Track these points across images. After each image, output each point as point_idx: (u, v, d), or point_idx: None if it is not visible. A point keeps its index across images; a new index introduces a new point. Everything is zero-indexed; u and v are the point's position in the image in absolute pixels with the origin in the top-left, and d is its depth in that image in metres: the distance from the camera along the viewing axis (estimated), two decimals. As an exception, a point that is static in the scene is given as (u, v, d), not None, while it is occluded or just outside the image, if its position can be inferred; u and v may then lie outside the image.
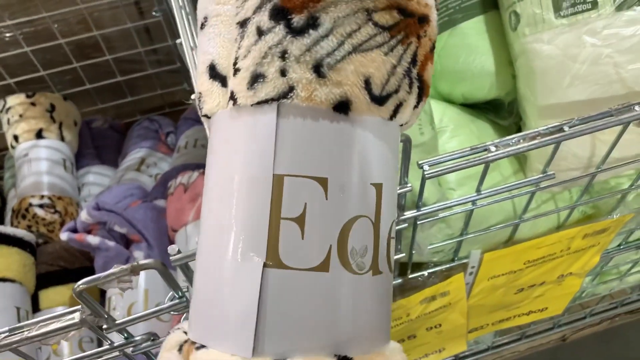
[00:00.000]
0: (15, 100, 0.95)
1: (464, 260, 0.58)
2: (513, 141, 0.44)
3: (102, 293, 0.79)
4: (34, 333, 0.38)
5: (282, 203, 0.26)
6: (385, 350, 0.28)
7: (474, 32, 0.56)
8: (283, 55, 0.25)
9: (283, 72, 0.25)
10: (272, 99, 0.26)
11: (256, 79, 0.26)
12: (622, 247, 0.67)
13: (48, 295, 0.80)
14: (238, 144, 0.27)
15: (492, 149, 0.43)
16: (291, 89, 0.26)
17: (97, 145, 1.02)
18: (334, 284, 0.26)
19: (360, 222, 0.27)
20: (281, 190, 0.26)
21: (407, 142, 0.40)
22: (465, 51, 0.56)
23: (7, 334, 0.38)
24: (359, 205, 0.27)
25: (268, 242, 0.26)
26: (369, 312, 0.27)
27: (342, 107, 0.26)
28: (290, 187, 0.26)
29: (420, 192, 0.45)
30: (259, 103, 0.26)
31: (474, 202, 0.49)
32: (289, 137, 0.26)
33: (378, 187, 0.28)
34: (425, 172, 0.42)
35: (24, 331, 0.38)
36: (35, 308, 0.80)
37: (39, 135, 0.93)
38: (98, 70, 1.01)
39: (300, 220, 0.26)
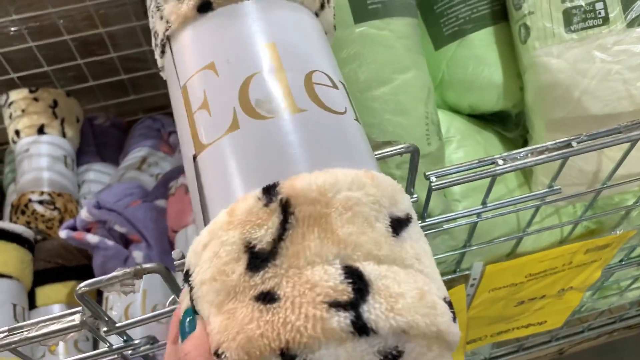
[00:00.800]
0: (18, 95, 0.94)
1: (466, 272, 0.58)
2: (521, 155, 0.44)
3: (99, 291, 0.78)
4: (33, 334, 0.38)
5: (190, 102, 0.31)
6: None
7: (483, 43, 0.56)
8: None
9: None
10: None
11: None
12: (623, 262, 0.67)
13: (45, 293, 0.80)
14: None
15: (500, 162, 0.43)
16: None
17: (98, 142, 1.02)
18: (248, 135, 0.28)
19: (258, 77, 0.29)
20: (187, 94, 0.31)
21: (414, 153, 0.40)
22: (474, 62, 0.56)
23: (6, 333, 0.38)
24: (251, 66, 0.30)
25: (192, 137, 0.30)
26: (303, 145, 0.28)
27: (204, 6, 0.32)
28: (190, 88, 0.31)
29: (426, 203, 0.45)
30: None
31: (479, 215, 0.49)
32: (179, 54, 0.33)
33: (270, 45, 0.31)
34: (432, 184, 0.42)
35: (23, 331, 0.38)
36: (32, 305, 0.79)
37: (41, 131, 0.92)
38: (102, 68, 1.00)
39: (204, 104, 0.30)
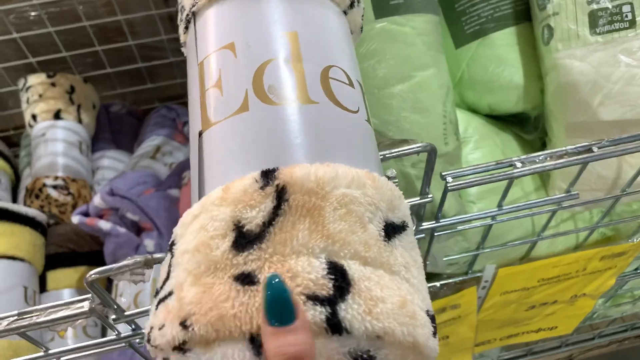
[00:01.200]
0: (36, 80, 0.94)
1: (478, 274, 0.57)
2: (540, 158, 0.43)
3: (109, 277, 0.79)
4: (42, 319, 0.38)
5: (205, 79, 0.31)
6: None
7: (504, 43, 0.55)
8: None
9: None
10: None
11: None
12: (638, 270, 0.66)
13: (56, 277, 0.80)
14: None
15: (518, 164, 0.42)
16: None
17: (113, 129, 1.02)
18: (256, 118, 0.28)
19: (275, 63, 0.29)
20: (203, 71, 0.31)
21: (432, 153, 0.40)
22: (495, 62, 0.55)
23: (15, 317, 0.38)
24: (270, 51, 0.30)
25: (201, 114, 0.30)
26: (309, 136, 0.28)
27: None
28: (207, 66, 0.31)
29: (441, 203, 0.44)
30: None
31: (493, 217, 0.49)
32: (201, 30, 0.33)
33: (292, 34, 0.30)
34: (448, 184, 0.41)
35: (32, 316, 0.38)
36: (42, 288, 0.80)
37: (57, 116, 0.93)
38: (119, 55, 1.01)
39: (218, 83, 0.30)
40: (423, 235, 0.47)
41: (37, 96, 0.93)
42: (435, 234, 0.48)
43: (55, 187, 0.87)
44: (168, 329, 0.24)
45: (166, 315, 0.24)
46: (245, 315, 0.23)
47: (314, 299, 0.23)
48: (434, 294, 0.57)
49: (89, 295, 0.38)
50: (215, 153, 0.29)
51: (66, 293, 0.79)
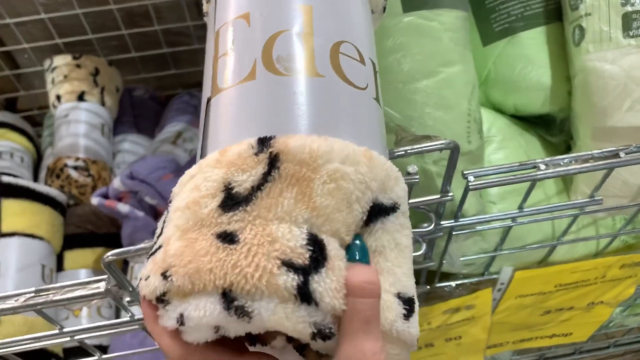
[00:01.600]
0: (61, 61, 0.95)
1: (494, 276, 0.57)
2: (564, 161, 0.42)
3: (126, 259, 0.79)
4: (58, 297, 0.38)
5: (219, 47, 0.31)
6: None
7: (533, 42, 0.54)
8: None
9: None
10: None
11: None
12: (659, 281, 0.64)
13: (73, 257, 0.81)
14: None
15: (542, 167, 0.42)
16: None
17: (136, 114, 1.03)
18: (261, 87, 0.28)
19: (286, 34, 0.29)
20: (218, 40, 0.32)
21: (454, 150, 0.39)
22: (523, 61, 0.54)
23: (32, 294, 0.38)
24: (282, 23, 0.30)
25: (212, 80, 0.31)
26: (312, 108, 0.28)
27: None
28: (222, 34, 0.31)
29: (461, 202, 0.44)
30: None
31: (514, 219, 0.48)
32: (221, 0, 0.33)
33: (307, 8, 0.30)
34: (470, 183, 0.41)
35: (49, 294, 0.38)
36: (59, 268, 0.81)
37: (81, 97, 0.94)
38: (145, 40, 1.01)
39: (230, 51, 0.30)
40: (441, 233, 0.46)
41: (62, 77, 0.94)
42: (454, 232, 0.48)
43: (76, 168, 0.88)
44: (152, 279, 0.25)
45: (152, 266, 0.26)
46: (221, 271, 0.23)
47: (289, 265, 0.24)
48: (449, 294, 0.57)
49: (105, 276, 0.38)
50: (219, 118, 0.29)
51: (82, 273, 0.80)
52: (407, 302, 0.26)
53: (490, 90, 0.57)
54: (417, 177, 0.36)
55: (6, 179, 0.77)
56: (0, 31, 1.01)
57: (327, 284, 0.24)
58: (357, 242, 0.26)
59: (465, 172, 0.41)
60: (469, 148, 0.47)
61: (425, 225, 0.44)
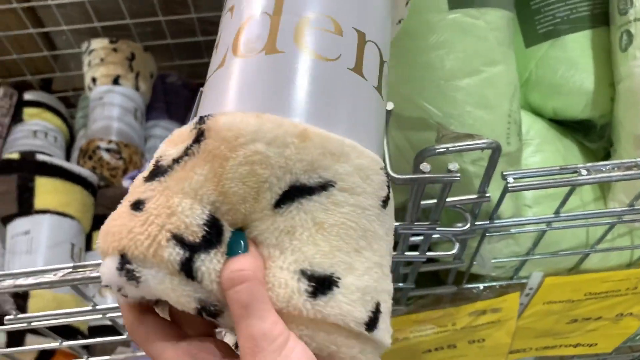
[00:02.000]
0: (99, 44, 0.97)
1: (523, 280, 0.56)
2: (606, 168, 0.41)
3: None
4: (95, 274, 0.39)
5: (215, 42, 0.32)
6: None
7: (578, 46, 0.53)
8: None
9: None
10: None
11: None
12: (692, 296, 0.63)
13: (101, 237, 0.82)
14: None
15: (583, 172, 0.41)
16: None
17: (168, 100, 1.04)
18: (224, 72, 0.29)
19: (254, 18, 0.29)
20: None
21: (496, 150, 0.39)
22: (565, 65, 0.53)
23: (70, 270, 0.39)
24: (254, 8, 0.30)
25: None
26: (262, 85, 0.28)
27: None
28: (218, 30, 0.32)
29: (498, 204, 0.43)
30: None
31: (549, 224, 0.47)
32: None
33: None
34: (509, 185, 0.40)
35: (86, 270, 0.39)
36: (88, 247, 0.82)
37: (116, 81, 0.95)
38: (180, 27, 1.02)
39: (217, 44, 0.31)
40: (474, 234, 0.46)
41: (98, 60, 0.95)
42: (488, 234, 0.47)
43: (108, 150, 0.89)
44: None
45: None
46: (119, 235, 0.25)
47: (179, 240, 0.24)
48: (476, 296, 0.56)
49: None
50: (196, 106, 0.32)
51: (110, 254, 0.81)
52: (318, 280, 0.25)
53: (530, 92, 0.56)
54: (458, 175, 0.36)
55: (41, 157, 0.79)
56: (41, 12, 1.03)
57: (213, 265, 0.24)
58: (234, 236, 0.26)
59: (505, 173, 0.40)
60: (508, 149, 0.46)
61: (460, 224, 0.44)
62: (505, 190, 0.41)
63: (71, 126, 1.04)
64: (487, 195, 0.42)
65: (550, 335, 0.68)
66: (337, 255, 0.26)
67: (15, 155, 0.78)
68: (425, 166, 0.36)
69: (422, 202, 0.40)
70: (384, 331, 0.27)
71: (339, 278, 0.25)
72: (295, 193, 0.26)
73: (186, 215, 0.24)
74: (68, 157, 0.99)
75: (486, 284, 0.56)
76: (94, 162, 0.88)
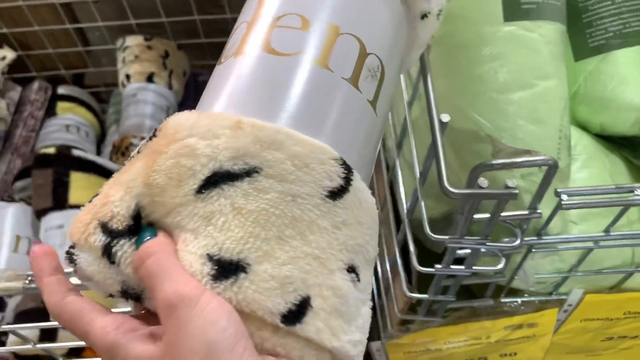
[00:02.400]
0: (133, 41, 0.97)
1: (563, 296, 0.55)
2: (663, 188, 0.41)
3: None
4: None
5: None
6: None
7: (630, 61, 0.52)
8: None
9: None
10: None
11: None
12: None
13: (132, 233, 0.83)
14: None
15: (639, 192, 0.40)
16: None
17: (199, 99, 1.04)
18: (223, 70, 0.31)
19: (240, 27, 0.32)
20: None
21: (552, 167, 0.38)
22: (616, 80, 0.52)
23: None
24: (243, 19, 0.33)
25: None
26: (225, 85, 0.30)
27: None
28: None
29: (548, 220, 0.43)
30: None
31: (596, 242, 0.47)
32: None
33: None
34: (563, 202, 0.40)
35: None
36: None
37: (150, 79, 0.95)
38: (214, 27, 1.02)
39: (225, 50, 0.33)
40: (521, 250, 0.45)
41: (133, 57, 0.96)
42: (534, 250, 0.46)
43: (140, 147, 0.89)
44: None
45: None
46: (73, 223, 0.28)
47: (104, 227, 0.26)
48: (514, 310, 0.56)
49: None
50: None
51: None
52: (223, 264, 0.25)
53: (578, 106, 0.55)
54: (517, 191, 0.36)
55: (77, 152, 0.79)
56: (76, 8, 1.04)
57: (130, 250, 0.26)
58: (144, 227, 0.27)
59: (559, 190, 0.40)
60: (559, 165, 0.46)
61: (507, 240, 0.44)
62: (558, 208, 0.41)
63: (102, 121, 1.04)
64: (539, 211, 0.41)
65: (584, 352, 0.67)
66: (251, 241, 0.26)
67: (51, 150, 0.79)
68: (482, 181, 0.36)
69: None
70: (318, 329, 0.25)
71: (248, 264, 0.25)
72: (218, 179, 0.26)
73: (116, 206, 0.26)
74: (98, 153, 1.00)
75: (524, 299, 0.56)
76: (127, 158, 0.88)
